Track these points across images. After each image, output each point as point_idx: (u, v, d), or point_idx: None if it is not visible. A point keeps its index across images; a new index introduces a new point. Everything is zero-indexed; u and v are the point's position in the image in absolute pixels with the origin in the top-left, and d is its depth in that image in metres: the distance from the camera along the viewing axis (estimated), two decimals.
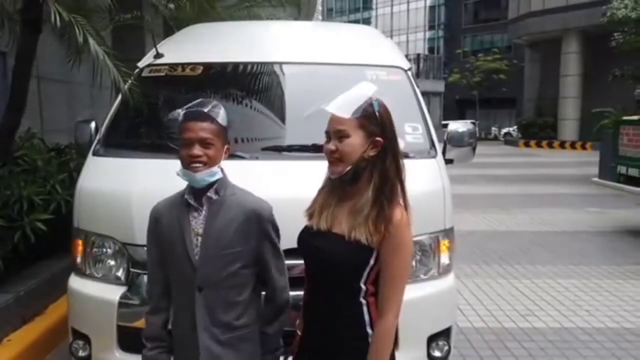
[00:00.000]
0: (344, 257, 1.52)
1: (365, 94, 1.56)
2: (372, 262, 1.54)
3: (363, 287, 1.56)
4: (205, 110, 1.68)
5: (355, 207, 1.55)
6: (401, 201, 1.58)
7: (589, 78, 24.66)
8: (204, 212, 1.71)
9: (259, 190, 2.32)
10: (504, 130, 35.44)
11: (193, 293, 1.69)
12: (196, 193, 1.71)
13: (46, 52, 4.14)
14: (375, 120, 1.54)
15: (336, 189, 1.61)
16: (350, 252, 1.52)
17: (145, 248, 1.84)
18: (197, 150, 1.65)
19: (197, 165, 1.65)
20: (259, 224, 1.74)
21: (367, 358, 1.54)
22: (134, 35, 6.85)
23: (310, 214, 1.65)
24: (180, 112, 1.70)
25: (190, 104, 1.70)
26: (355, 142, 1.51)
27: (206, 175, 1.67)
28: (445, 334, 2.50)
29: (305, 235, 1.65)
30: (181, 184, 1.74)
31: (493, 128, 37.08)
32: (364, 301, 1.57)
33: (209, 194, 1.71)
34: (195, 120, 1.66)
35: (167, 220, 1.74)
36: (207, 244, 1.69)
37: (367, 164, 1.54)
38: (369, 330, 1.56)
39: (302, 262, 1.71)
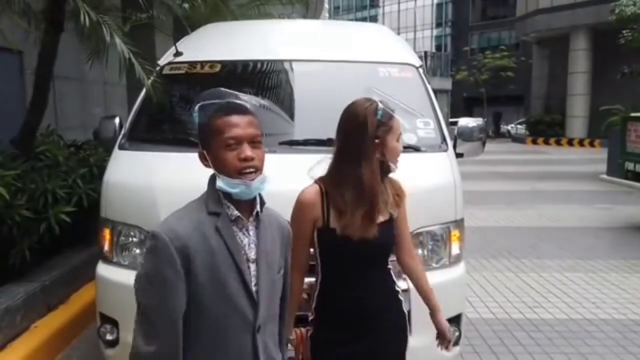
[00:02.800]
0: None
1: None
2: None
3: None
4: (244, 102, 1.40)
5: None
6: None
7: (597, 75, 24.57)
8: (252, 233, 1.40)
9: (278, 182, 2.46)
10: (505, 127, 35.53)
11: (251, 334, 1.36)
12: (240, 208, 1.37)
13: (59, 51, 4.29)
14: None
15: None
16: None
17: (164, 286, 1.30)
18: (249, 151, 1.32)
19: (251, 170, 1.32)
20: (289, 240, 1.55)
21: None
22: (143, 33, 6.99)
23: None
24: (204, 106, 1.36)
25: (212, 95, 1.40)
26: None
27: (260, 183, 1.35)
28: (456, 320, 2.59)
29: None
30: (203, 176, 1.40)
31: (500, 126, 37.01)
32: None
33: (258, 208, 1.40)
34: (239, 113, 1.34)
35: (202, 246, 1.31)
36: (262, 271, 1.39)
37: None
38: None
39: None
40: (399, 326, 1.88)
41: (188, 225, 1.31)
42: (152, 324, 1.31)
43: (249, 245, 1.38)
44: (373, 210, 1.70)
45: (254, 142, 1.33)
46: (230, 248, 1.33)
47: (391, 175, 1.83)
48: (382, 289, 1.83)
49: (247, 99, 1.43)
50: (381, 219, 1.74)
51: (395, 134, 1.76)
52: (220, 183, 1.32)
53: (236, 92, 1.42)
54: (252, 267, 1.37)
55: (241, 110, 1.36)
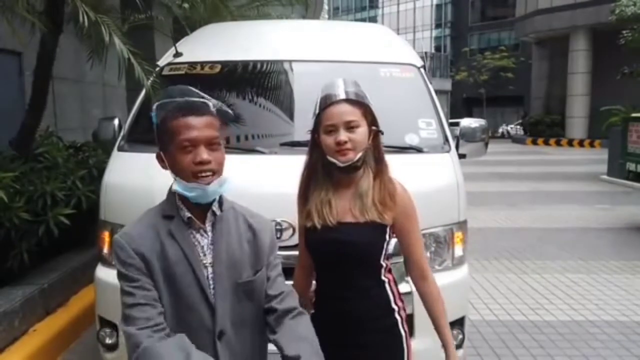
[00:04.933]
0: (364, 240, 1.62)
1: (360, 87, 1.66)
2: (387, 237, 1.65)
3: (383, 264, 1.68)
4: (201, 100, 1.32)
5: (359, 192, 1.64)
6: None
7: (597, 76, 24.55)
8: (209, 234, 1.35)
9: (279, 183, 2.43)
10: (505, 127, 35.11)
11: (211, 341, 1.32)
12: (195, 210, 1.34)
13: (59, 52, 4.28)
14: (371, 110, 1.66)
15: (328, 183, 1.65)
16: (368, 234, 1.62)
17: (129, 285, 1.30)
18: (206, 154, 1.27)
19: (207, 174, 1.28)
20: (270, 240, 1.47)
21: (436, 319, 1.70)
22: (142, 34, 6.96)
23: (307, 214, 1.65)
24: (160, 106, 1.30)
25: (170, 93, 1.33)
26: (365, 131, 1.61)
27: (217, 186, 1.31)
28: (459, 323, 2.57)
29: (314, 234, 1.63)
30: None
31: (501, 128, 36.96)
32: (385, 279, 1.68)
33: (213, 208, 1.35)
34: (196, 114, 1.28)
35: (156, 250, 1.30)
36: (220, 274, 1.33)
37: (367, 151, 1.64)
38: (394, 306, 1.67)
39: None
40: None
41: (142, 230, 1.32)
42: (130, 312, 1.30)
43: (207, 246, 1.34)
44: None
45: (211, 144, 1.29)
46: (184, 250, 1.30)
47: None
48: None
49: (207, 100, 1.36)
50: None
51: (322, 125, 1.59)
52: (176, 186, 1.30)
53: (198, 91, 1.36)
54: (210, 269, 1.33)
55: (199, 110, 1.30)
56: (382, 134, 1.70)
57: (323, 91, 1.65)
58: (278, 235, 2.28)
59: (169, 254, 1.30)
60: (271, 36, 3.76)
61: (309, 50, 3.34)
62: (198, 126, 1.27)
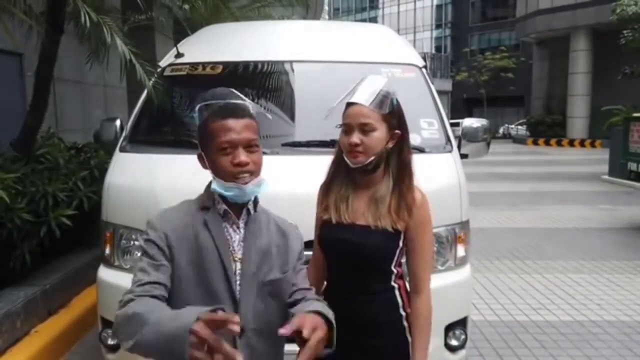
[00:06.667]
0: (375, 246, 1.59)
1: (385, 89, 1.62)
2: (400, 244, 1.62)
3: (394, 270, 1.65)
4: (241, 102, 1.35)
5: (375, 197, 1.62)
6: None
7: (598, 76, 24.55)
8: (241, 231, 1.39)
9: (281, 184, 2.43)
10: (502, 129, 35.10)
11: (231, 337, 1.28)
12: (231, 206, 1.37)
13: (60, 53, 4.29)
14: (396, 114, 1.62)
15: (349, 180, 1.65)
16: (380, 240, 1.59)
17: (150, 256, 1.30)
18: (244, 156, 1.30)
19: (245, 175, 1.30)
20: (297, 247, 1.48)
21: (412, 336, 1.63)
22: (143, 35, 6.95)
23: (325, 207, 1.66)
24: (202, 108, 1.34)
25: (212, 95, 1.36)
26: (381, 135, 1.58)
27: (255, 186, 1.33)
28: (461, 323, 2.57)
29: (328, 229, 1.64)
30: (204, 178, 1.41)
31: (502, 128, 36.95)
32: (395, 285, 1.66)
33: (249, 206, 1.39)
34: (235, 117, 1.30)
35: (189, 238, 1.33)
36: (247, 271, 1.35)
37: (386, 155, 1.62)
38: (403, 312, 1.65)
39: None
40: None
41: (177, 216, 1.35)
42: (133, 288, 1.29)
43: (238, 242, 1.37)
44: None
45: (250, 146, 1.31)
46: (216, 242, 1.33)
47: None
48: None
49: (244, 100, 1.39)
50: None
51: (344, 124, 1.60)
52: (215, 185, 1.34)
53: (238, 93, 1.39)
54: (238, 265, 1.35)
55: (238, 112, 1.32)
56: (405, 138, 1.64)
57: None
58: None
59: (202, 243, 1.33)
60: (272, 37, 3.76)
61: (310, 51, 3.34)
62: (237, 129, 1.29)
